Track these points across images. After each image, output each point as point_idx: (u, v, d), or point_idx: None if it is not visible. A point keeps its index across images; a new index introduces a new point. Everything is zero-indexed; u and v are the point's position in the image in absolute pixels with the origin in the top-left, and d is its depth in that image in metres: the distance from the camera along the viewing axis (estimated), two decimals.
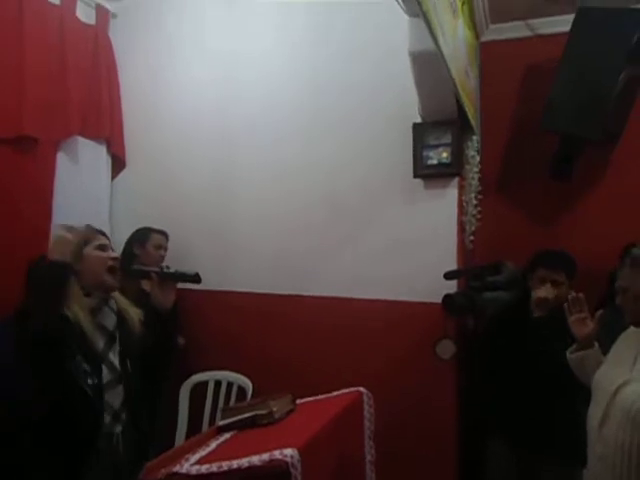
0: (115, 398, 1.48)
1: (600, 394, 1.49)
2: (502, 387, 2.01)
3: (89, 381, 1.40)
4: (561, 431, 1.85)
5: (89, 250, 1.50)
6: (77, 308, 1.42)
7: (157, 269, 1.65)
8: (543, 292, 1.89)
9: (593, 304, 1.72)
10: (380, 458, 1.70)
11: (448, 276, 2.13)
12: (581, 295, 1.66)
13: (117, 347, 1.53)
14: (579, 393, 1.71)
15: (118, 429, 1.48)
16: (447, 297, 2.09)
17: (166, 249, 2.58)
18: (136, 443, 1.52)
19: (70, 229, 1.52)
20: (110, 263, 1.52)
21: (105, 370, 1.47)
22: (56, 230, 1.56)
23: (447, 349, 2.26)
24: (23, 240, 2.33)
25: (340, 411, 1.54)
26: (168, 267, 1.67)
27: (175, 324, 1.67)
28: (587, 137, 2.28)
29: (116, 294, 1.57)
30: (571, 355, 1.67)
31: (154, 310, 1.60)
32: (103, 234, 1.59)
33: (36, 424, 1.41)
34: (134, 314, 1.59)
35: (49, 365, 1.35)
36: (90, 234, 1.54)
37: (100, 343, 1.48)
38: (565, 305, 1.67)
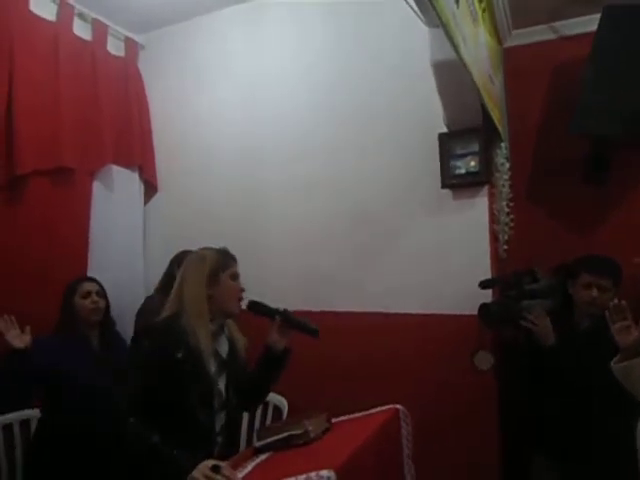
0: (217, 423, 1.51)
1: None
2: (546, 400, 1.94)
3: (202, 411, 1.45)
4: (609, 446, 1.76)
5: (225, 276, 1.54)
6: (201, 332, 1.45)
7: (282, 310, 1.65)
8: (593, 293, 1.84)
9: (637, 311, 1.64)
10: (420, 478, 1.66)
11: (483, 285, 2.07)
12: (624, 302, 1.60)
13: (225, 374, 1.56)
14: (629, 407, 1.63)
15: (215, 453, 1.49)
16: (483, 307, 2.02)
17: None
18: None
19: (209, 250, 1.57)
20: (241, 295, 1.58)
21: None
22: (198, 250, 1.59)
23: (485, 360, 2.20)
24: (62, 266, 2.43)
25: (377, 430, 1.51)
26: (292, 312, 1.68)
27: (285, 365, 1.68)
28: (620, 138, 2.20)
29: (229, 320, 1.61)
30: (616, 365, 1.60)
31: (269, 350, 1.62)
32: (235, 261, 1.63)
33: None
34: (242, 341, 1.64)
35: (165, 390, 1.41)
36: (228, 260, 1.57)
37: (212, 368, 1.51)
38: (607, 313, 1.61)
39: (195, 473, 1.26)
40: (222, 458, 1.48)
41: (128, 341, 2.32)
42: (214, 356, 1.51)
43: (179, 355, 1.42)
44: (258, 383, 1.68)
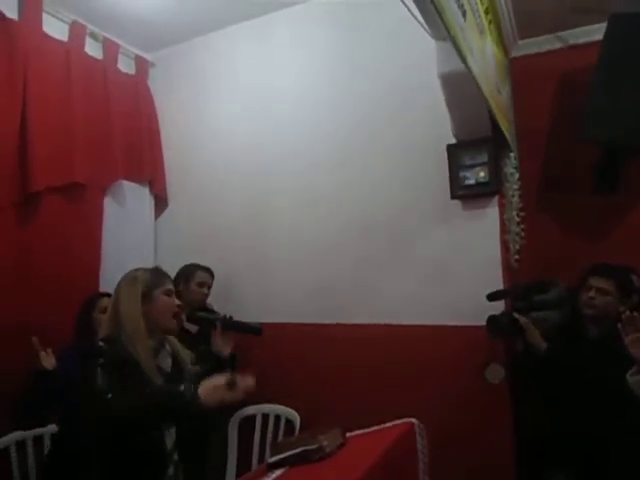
0: (168, 439, 1.49)
1: None
2: (558, 415, 1.91)
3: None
4: (623, 462, 1.72)
5: (158, 293, 1.55)
6: (141, 349, 1.46)
7: (221, 317, 1.70)
8: (590, 294, 1.85)
9: None
10: None
11: (491, 297, 2.06)
12: (636, 314, 1.57)
13: None
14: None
15: (170, 471, 1.48)
16: (492, 318, 2.01)
17: (209, 287, 2.54)
18: None
19: (141, 270, 1.58)
20: (176, 310, 1.57)
21: None
22: (128, 272, 1.60)
23: (496, 373, 2.17)
24: (75, 280, 2.46)
25: (392, 444, 1.50)
26: (231, 316, 1.72)
27: (233, 370, 1.67)
28: (630, 145, 2.19)
29: (171, 337, 1.62)
30: (631, 378, 1.57)
31: (213, 356, 1.65)
32: (169, 278, 1.65)
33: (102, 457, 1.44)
34: (186, 356, 1.63)
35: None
36: (161, 278, 1.59)
37: (158, 383, 1.50)
38: (620, 325, 1.59)
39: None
40: (182, 474, 1.50)
41: None
42: (158, 371, 1.50)
43: (124, 372, 1.41)
44: None
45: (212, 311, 2.44)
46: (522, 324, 1.91)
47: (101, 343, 1.47)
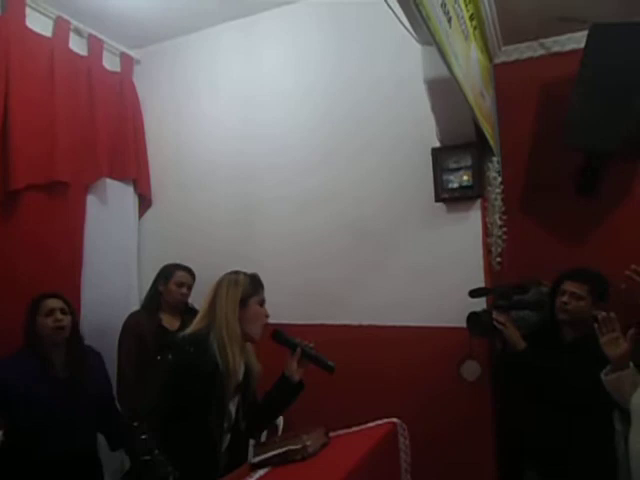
0: (223, 443, 1.53)
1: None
2: (530, 413, 1.95)
3: (215, 422, 1.48)
4: (592, 460, 1.77)
5: (254, 301, 1.61)
6: (231, 352, 1.50)
7: (304, 344, 1.71)
8: (563, 299, 1.89)
9: (626, 322, 1.66)
10: None
11: (473, 294, 2.09)
12: (612, 314, 1.62)
13: (237, 397, 1.59)
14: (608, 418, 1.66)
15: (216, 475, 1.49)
16: (472, 315, 2.04)
17: (190, 287, 2.51)
18: None
19: (242, 274, 1.63)
20: (266, 320, 1.64)
21: None
22: (230, 273, 1.66)
23: (472, 371, 2.20)
24: (56, 281, 2.40)
25: (375, 444, 1.51)
26: (313, 347, 1.74)
27: (297, 397, 1.72)
28: (608, 151, 2.25)
29: (248, 344, 1.65)
30: (606, 377, 1.62)
31: (284, 379, 1.68)
32: (263, 288, 1.70)
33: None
34: (257, 368, 1.67)
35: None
36: (258, 286, 1.64)
37: (229, 390, 1.54)
38: (596, 325, 1.63)
39: None
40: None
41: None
42: (232, 377, 1.54)
43: (208, 370, 1.45)
44: (268, 410, 1.72)
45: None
46: (501, 322, 1.95)
47: (183, 337, 1.52)
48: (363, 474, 1.35)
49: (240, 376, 1.58)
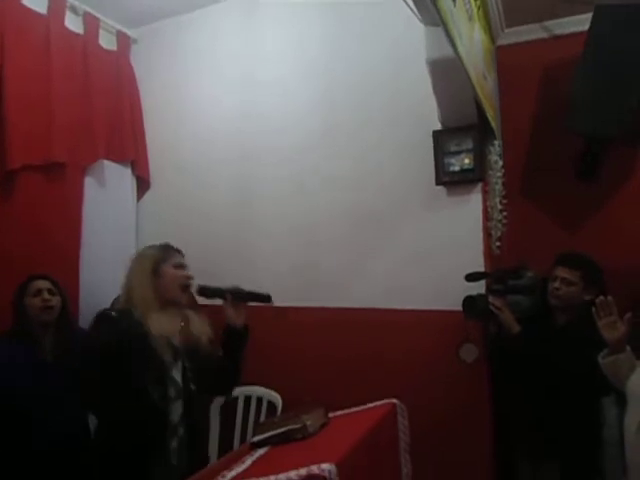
0: (173, 413, 1.52)
1: (636, 401, 1.46)
2: (522, 397, 1.99)
3: (157, 392, 1.47)
4: (579, 442, 1.81)
5: (166, 267, 1.60)
6: (151, 322, 1.50)
7: (231, 288, 1.70)
8: (555, 284, 1.91)
9: (623, 306, 1.67)
10: (415, 470, 1.67)
11: (470, 278, 2.09)
12: (610, 298, 1.63)
13: (180, 363, 1.58)
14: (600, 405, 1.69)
15: (175, 443, 1.50)
16: (468, 299, 2.05)
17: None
18: (191, 457, 1.55)
19: (150, 247, 1.65)
20: (185, 282, 1.62)
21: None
22: (139, 249, 1.69)
23: (470, 353, 2.22)
24: (53, 263, 2.37)
25: (374, 424, 1.52)
26: (239, 287, 1.73)
27: (246, 341, 1.72)
28: (609, 136, 2.23)
29: (189, 311, 1.65)
30: (603, 360, 1.64)
31: (226, 327, 1.66)
32: (180, 252, 1.70)
33: (102, 430, 1.51)
34: (204, 332, 1.66)
35: (117, 374, 1.43)
36: (169, 252, 1.64)
37: (167, 357, 1.53)
38: (593, 309, 1.64)
39: None
40: (186, 450, 1.54)
41: None
42: (168, 345, 1.54)
43: (129, 341, 1.46)
44: (225, 364, 1.69)
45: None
46: (497, 306, 1.95)
47: (114, 314, 1.52)
48: (362, 452, 1.36)
49: (176, 343, 1.57)
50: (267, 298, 1.68)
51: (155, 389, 1.47)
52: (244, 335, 1.70)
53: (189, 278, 1.65)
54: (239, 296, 1.69)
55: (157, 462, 1.46)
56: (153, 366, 1.48)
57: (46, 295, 1.98)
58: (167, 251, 1.66)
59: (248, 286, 2.64)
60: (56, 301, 2.00)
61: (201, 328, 1.66)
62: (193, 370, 1.60)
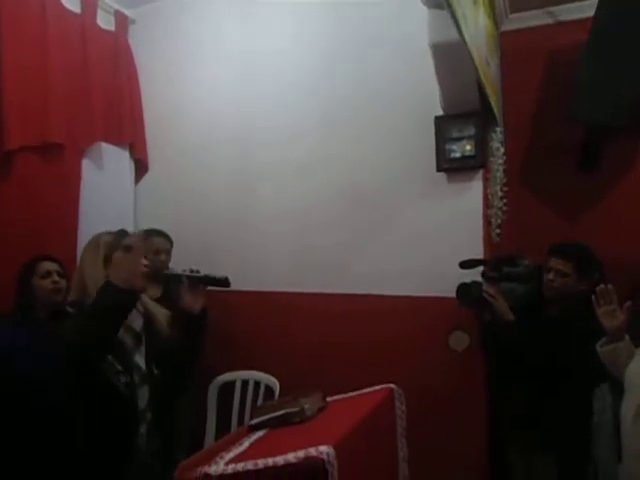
0: (140, 398, 1.50)
1: (633, 389, 1.46)
2: (512, 385, 1.99)
3: (122, 380, 1.44)
4: (570, 429, 1.81)
5: (120, 254, 1.52)
6: None
7: (188, 273, 1.66)
8: (549, 276, 1.90)
9: (623, 296, 1.68)
10: (411, 454, 1.69)
11: (464, 265, 2.08)
12: (610, 286, 1.63)
13: (143, 348, 1.56)
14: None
15: (142, 429, 1.50)
16: (462, 286, 2.05)
17: (168, 253, 2.47)
18: (160, 443, 1.54)
19: (103, 234, 1.58)
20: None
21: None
22: (92, 237, 1.60)
23: (460, 341, 2.22)
24: (51, 245, 2.36)
25: (372, 408, 1.53)
26: (198, 271, 1.68)
27: (205, 325, 1.69)
28: (615, 125, 2.22)
29: (144, 296, 1.60)
30: (602, 348, 1.64)
31: (184, 312, 1.63)
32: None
33: (71, 421, 1.47)
34: (162, 316, 1.63)
35: (83, 364, 1.40)
36: (123, 239, 1.57)
37: (128, 343, 1.52)
38: (593, 297, 1.64)
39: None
40: (155, 437, 1.52)
41: None
42: (128, 332, 1.52)
43: None
44: (183, 350, 1.65)
45: None
46: (491, 294, 1.95)
47: (69, 308, 1.48)
48: (360, 436, 1.37)
49: (137, 328, 1.55)
50: (225, 282, 1.62)
51: (119, 376, 1.45)
52: (202, 320, 1.66)
53: (146, 266, 1.55)
54: (195, 280, 1.64)
55: (126, 449, 1.44)
56: (115, 353, 1.45)
57: (56, 277, 1.97)
58: (121, 237, 1.59)
59: (250, 267, 2.69)
60: (63, 284, 1.98)
61: (160, 312, 1.63)
62: (155, 354, 1.59)
